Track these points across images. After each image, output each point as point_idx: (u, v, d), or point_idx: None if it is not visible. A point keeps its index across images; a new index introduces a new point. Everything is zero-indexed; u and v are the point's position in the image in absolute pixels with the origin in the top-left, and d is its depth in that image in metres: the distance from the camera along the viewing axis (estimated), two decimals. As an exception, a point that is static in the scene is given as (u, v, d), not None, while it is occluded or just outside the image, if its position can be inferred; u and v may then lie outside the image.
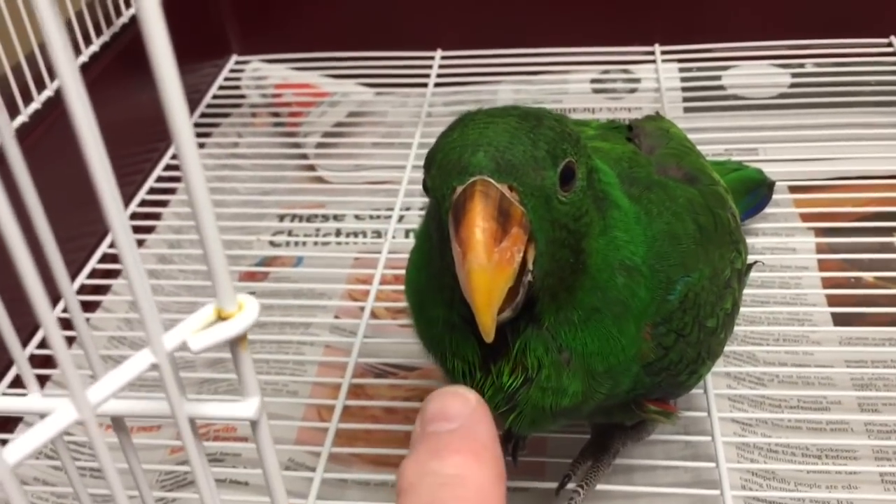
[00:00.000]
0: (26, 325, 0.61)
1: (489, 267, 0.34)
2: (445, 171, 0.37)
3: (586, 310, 0.40)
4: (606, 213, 0.40)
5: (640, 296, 0.42)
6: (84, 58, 0.78)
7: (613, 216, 0.41)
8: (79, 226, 0.74)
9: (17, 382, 0.64)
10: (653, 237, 0.44)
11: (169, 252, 0.80)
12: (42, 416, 0.26)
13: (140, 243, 0.80)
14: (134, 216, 0.81)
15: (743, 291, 0.53)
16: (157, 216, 0.83)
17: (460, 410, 0.28)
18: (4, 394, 0.63)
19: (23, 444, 0.21)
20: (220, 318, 0.25)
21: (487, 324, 0.36)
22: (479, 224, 0.35)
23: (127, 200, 0.81)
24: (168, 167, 0.86)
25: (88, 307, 0.73)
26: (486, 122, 0.38)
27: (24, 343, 0.66)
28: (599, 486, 0.54)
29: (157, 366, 0.24)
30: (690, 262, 0.46)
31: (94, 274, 0.74)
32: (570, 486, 0.53)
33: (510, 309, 0.37)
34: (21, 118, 0.69)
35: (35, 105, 0.71)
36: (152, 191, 0.84)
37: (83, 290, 0.72)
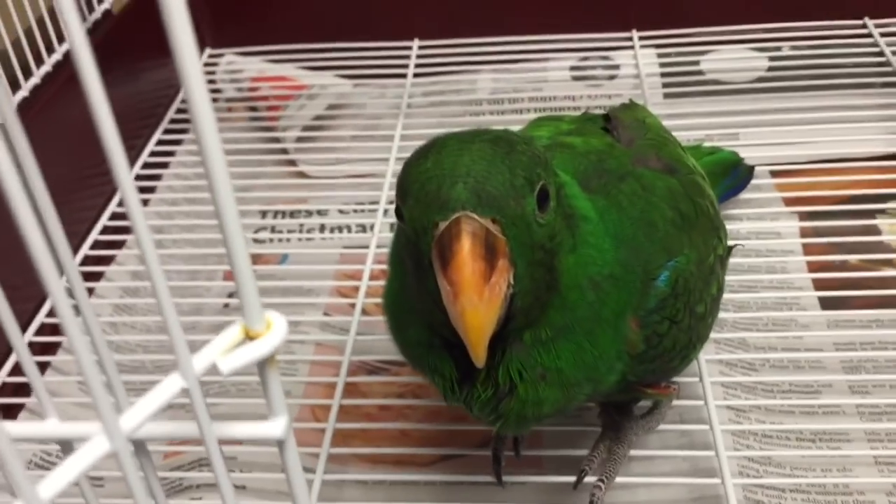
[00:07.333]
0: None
1: (481, 305, 0.35)
2: (424, 205, 0.36)
3: (556, 328, 0.40)
4: (575, 229, 0.41)
5: (613, 302, 0.42)
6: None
7: (582, 230, 0.41)
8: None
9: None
10: (622, 233, 0.44)
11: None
12: (60, 443, 0.26)
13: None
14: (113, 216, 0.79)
15: (726, 276, 0.54)
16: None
17: None
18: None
19: (57, 478, 0.20)
20: (248, 337, 0.24)
21: (481, 356, 0.37)
22: (469, 265, 0.35)
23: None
24: (153, 153, 0.87)
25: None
26: (459, 149, 0.38)
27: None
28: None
29: (187, 390, 0.23)
30: (674, 245, 0.46)
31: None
32: (590, 479, 0.53)
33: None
34: (34, 80, 0.74)
35: (46, 67, 0.75)
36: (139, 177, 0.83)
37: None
